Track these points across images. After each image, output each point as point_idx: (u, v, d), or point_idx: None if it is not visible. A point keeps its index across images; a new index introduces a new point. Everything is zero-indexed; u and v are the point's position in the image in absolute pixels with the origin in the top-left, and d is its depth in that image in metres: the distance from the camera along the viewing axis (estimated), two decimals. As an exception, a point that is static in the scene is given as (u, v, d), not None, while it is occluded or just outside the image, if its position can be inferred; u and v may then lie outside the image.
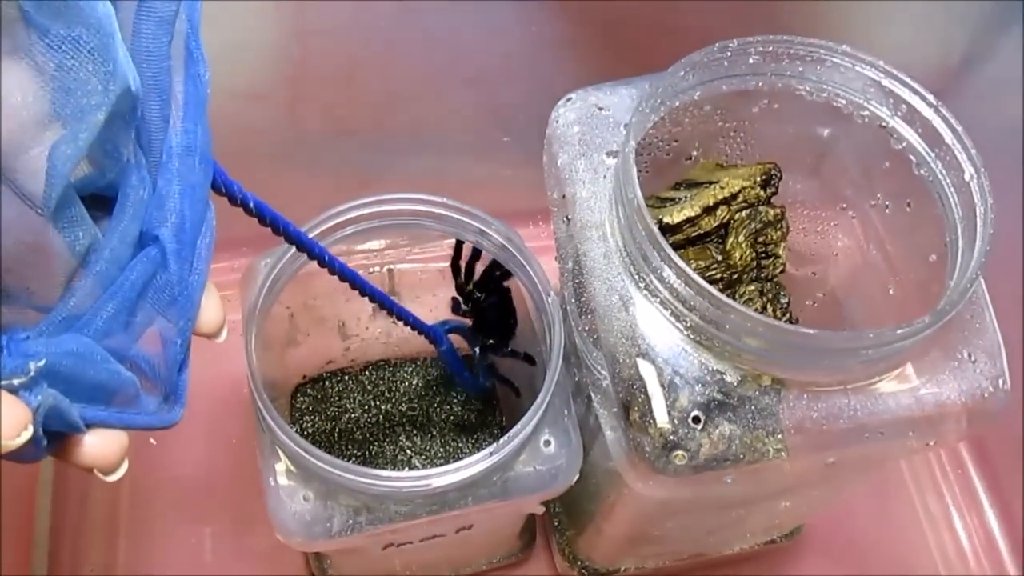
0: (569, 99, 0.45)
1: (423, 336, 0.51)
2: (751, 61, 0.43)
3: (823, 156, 0.51)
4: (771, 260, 0.49)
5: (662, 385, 0.38)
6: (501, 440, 0.43)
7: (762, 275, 0.49)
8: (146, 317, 0.27)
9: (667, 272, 0.37)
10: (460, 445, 0.65)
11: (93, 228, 0.25)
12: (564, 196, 0.43)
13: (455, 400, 0.66)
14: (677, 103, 0.43)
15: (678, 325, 0.39)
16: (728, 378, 0.38)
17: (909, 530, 0.70)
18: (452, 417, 0.66)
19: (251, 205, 0.33)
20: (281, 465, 0.44)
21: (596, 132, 0.44)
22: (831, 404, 0.38)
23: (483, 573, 0.64)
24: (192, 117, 0.27)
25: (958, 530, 0.70)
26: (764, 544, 0.64)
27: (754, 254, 0.48)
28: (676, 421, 0.38)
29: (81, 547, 0.63)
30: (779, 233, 0.49)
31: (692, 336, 0.39)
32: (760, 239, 0.49)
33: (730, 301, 0.36)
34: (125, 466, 0.28)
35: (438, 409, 0.66)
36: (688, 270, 0.36)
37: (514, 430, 0.44)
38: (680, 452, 0.38)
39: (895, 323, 0.36)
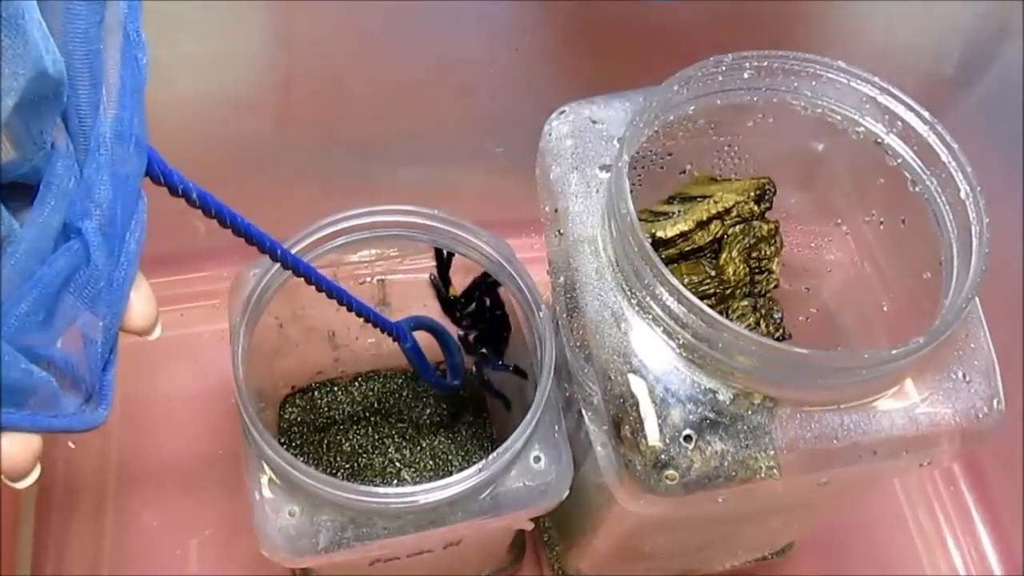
0: (562, 112, 0.45)
1: (385, 333, 0.49)
2: (746, 76, 0.43)
3: (817, 171, 0.51)
4: (764, 275, 0.49)
5: (654, 403, 0.38)
6: (491, 456, 0.43)
7: (755, 290, 0.49)
8: (67, 314, 0.26)
9: (659, 289, 0.37)
10: (450, 458, 0.64)
11: (8, 218, 0.24)
12: (556, 210, 0.43)
13: (445, 412, 0.66)
14: (671, 117, 0.43)
15: (670, 342, 0.38)
16: (720, 396, 0.38)
17: (901, 547, 0.69)
18: (442, 430, 0.65)
19: (194, 196, 0.31)
20: (266, 479, 0.43)
21: (589, 145, 0.44)
22: (824, 423, 0.38)
23: (472, 587, 0.64)
24: (127, 103, 0.26)
25: (950, 547, 0.70)
26: (755, 561, 0.64)
27: (747, 269, 0.48)
28: (667, 439, 0.37)
29: (65, 553, 0.62)
30: (773, 248, 0.49)
31: (684, 354, 0.38)
32: (753, 254, 0.48)
33: (722, 319, 0.35)
34: (36, 472, 0.27)
35: (428, 421, 0.65)
36: (680, 287, 0.36)
37: (504, 446, 0.43)
38: (671, 471, 0.37)
39: (889, 340, 0.36)
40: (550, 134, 0.45)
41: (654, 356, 0.38)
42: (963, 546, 0.70)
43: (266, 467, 0.43)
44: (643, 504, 0.40)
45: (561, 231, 0.43)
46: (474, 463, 0.43)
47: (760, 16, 0.63)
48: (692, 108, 0.43)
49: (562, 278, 0.42)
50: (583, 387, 0.41)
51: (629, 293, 0.39)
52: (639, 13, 0.61)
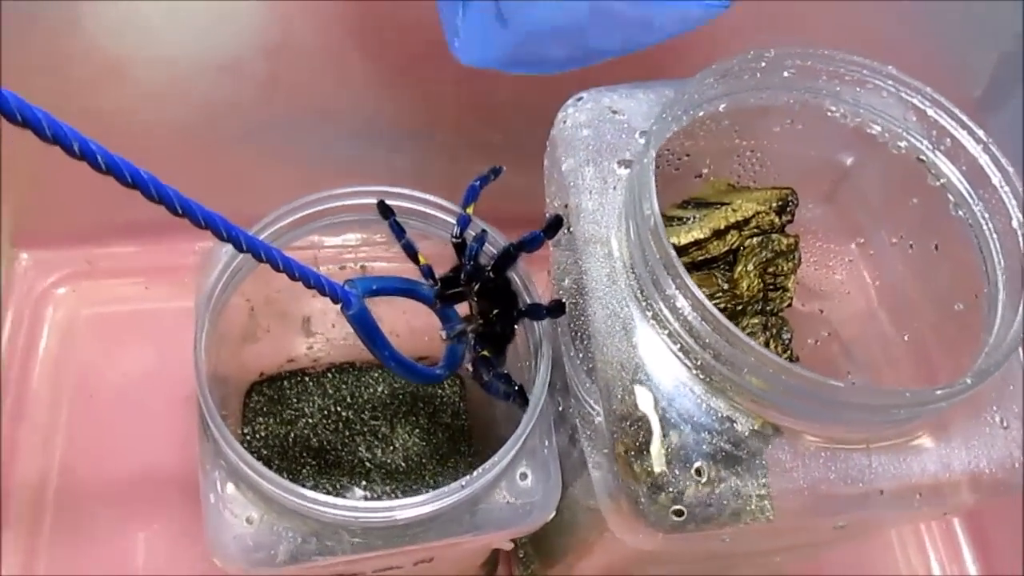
0: (580, 99, 0.41)
1: (327, 297, 0.41)
2: (785, 75, 0.39)
3: (842, 185, 0.47)
4: (779, 292, 0.45)
5: (663, 427, 0.34)
6: (475, 472, 0.39)
7: (768, 308, 0.45)
8: None
9: (681, 302, 0.33)
10: (424, 462, 0.60)
11: None
12: (567, 205, 0.39)
13: (422, 412, 0.62)
14: (701, 113, 0.39)
15: (686, 362, 0.34)
16: (739, 427, 0.34)
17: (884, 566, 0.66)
18: (417, 430, 0.61)
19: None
20: (224, 479, 0.39)
21: (608, 137, 0.40)
22: (851, 464, 0.34)
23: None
24: None
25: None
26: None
27: (762, 285, 0.44)
28: (676, 470, 0.34)
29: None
30: (790, 264, 0.45)
31: (701, 375, 0.34)
32: (770, 269, 0.45)
33: (752, 343, 0.32)
34: None
35: (403, 421, 0.61)
36: (706, 302, 0.32)
37: (491, 461, 0.39)
38: (678, 506, 0.33)
39: (908, 374, 0.32)
40: (565, 122, 0.41)
41: (667, 375, 0.35)
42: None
43: (224, 466, 0.39)
44: (640, 537, 0.36)
45: (570, 229, 0.39)
46: (449, 468, 0.39)
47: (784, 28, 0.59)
48: (723, 105, 0.40)
49: (567, 281, 0.39)
50: (583, 404, 0.38)
51: (644, 304, 0.35)
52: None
